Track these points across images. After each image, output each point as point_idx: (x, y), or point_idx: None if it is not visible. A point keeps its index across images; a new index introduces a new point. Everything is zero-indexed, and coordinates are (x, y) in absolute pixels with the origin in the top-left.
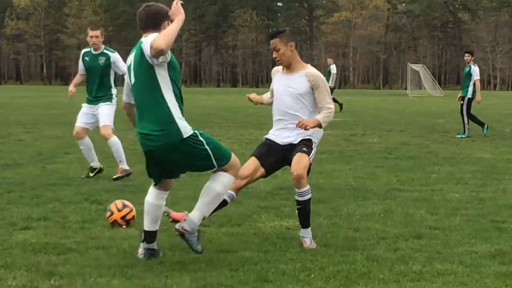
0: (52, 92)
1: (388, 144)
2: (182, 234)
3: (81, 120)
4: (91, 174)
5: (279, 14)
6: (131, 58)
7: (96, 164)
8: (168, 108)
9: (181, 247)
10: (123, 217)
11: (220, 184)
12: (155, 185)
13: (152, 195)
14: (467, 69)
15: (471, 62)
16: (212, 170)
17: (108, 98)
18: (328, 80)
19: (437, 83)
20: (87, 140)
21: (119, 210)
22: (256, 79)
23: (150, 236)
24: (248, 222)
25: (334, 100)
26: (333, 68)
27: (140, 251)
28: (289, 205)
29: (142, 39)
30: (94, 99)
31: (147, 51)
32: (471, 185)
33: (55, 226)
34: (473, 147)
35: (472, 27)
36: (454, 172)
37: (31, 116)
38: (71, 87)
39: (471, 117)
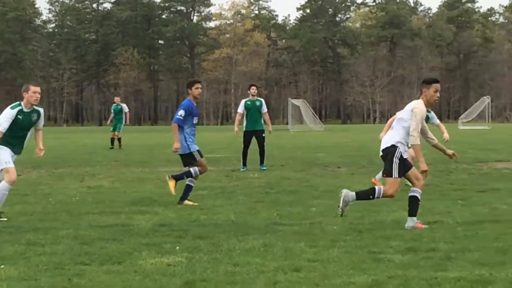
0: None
1: (269, 179)
2: None
3: None
4: None
5: (160, 52)
6: None
7: None
8: None
9: None
10: None
11: None
12: None
13: None
14: None
15: None
16: None
17: None
18: (121, 118)
19: (317, 117)
20: None
21: None
22: (138, 117)
23: None
24: (129, 260)
25: (119, 140)
26: (125, 107)
27: None
28: (170, 242)
29: None
30: None
31: None
32: (350, 217)
33: None
34: (353, 180)
35: (352, 61)
36: (334, 205)
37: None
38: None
39: None
